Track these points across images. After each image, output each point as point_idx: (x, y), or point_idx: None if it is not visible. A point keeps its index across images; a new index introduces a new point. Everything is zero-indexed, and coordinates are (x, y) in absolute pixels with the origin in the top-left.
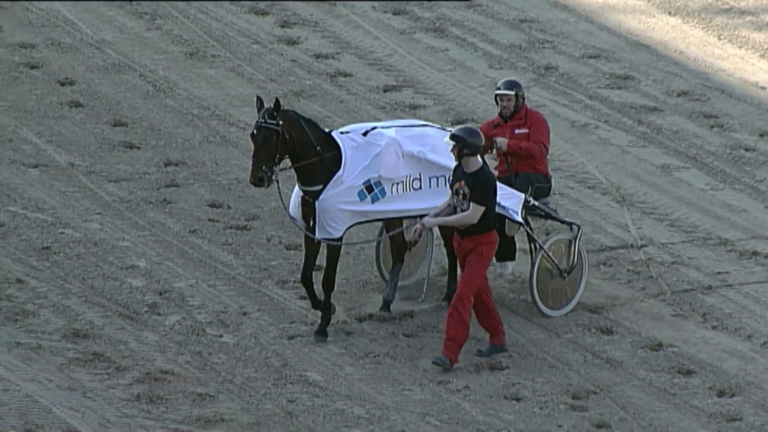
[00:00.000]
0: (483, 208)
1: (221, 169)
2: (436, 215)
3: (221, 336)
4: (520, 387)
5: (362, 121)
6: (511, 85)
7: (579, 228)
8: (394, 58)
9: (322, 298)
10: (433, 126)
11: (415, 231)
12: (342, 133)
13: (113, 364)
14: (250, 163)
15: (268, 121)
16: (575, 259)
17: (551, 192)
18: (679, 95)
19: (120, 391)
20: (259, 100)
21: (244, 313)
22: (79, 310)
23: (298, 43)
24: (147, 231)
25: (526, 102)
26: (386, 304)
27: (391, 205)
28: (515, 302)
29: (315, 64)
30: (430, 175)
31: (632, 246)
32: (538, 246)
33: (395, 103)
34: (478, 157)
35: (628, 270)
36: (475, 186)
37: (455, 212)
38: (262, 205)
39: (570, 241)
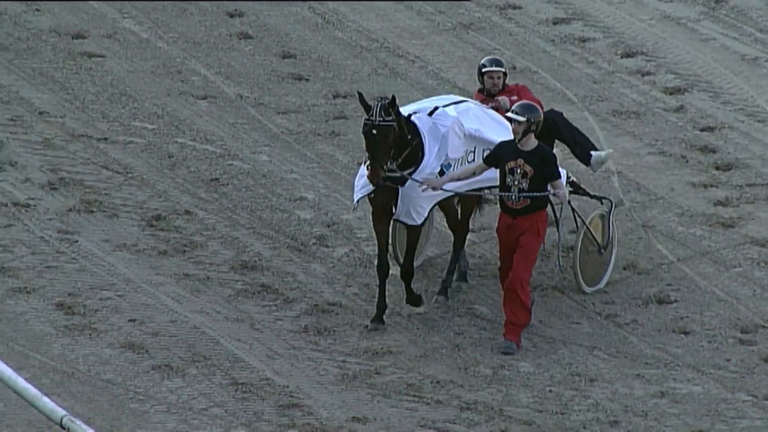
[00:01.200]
0: (561, 179)
1: None
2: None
3: None
4: (688, 321)
5: (531, 55)
6: (499, 61)
7: (612, 202)
8: None
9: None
10: (468, 100)
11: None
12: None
13: (281, 295)
14: (367, 161)
15: (386, 118)
16: (610, 234)
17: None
18: None
19: (288, 323)
20: (360, 96)
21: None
22: (247, 241)
23: None
24: (315, 163)
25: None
26: (463, 275)
27: (454, 183)
28: (684, 235)
29: None
30: (483, 148)
31: None
32: (580, 222)
33: (564, 36)
34: None
35: None
36: (542, 164)
37: (509, 191)
38: None
39: (604, 215)
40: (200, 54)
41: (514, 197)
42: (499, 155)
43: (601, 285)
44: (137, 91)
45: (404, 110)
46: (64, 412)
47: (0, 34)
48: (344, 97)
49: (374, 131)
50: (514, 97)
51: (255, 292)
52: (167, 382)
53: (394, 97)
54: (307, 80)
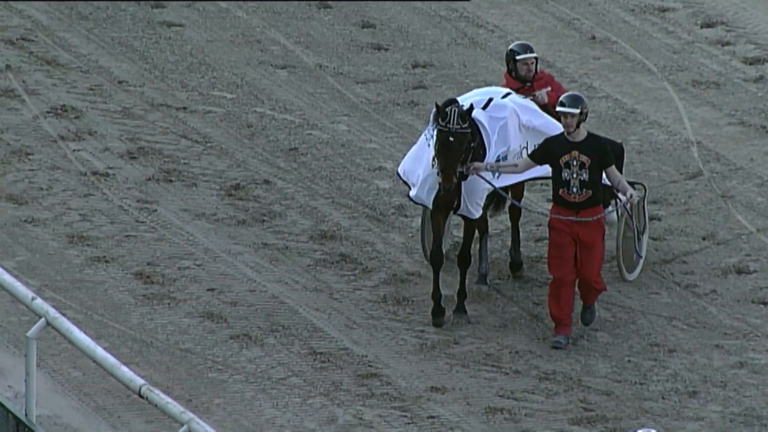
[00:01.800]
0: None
1: (469, 71)
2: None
3: None
4: (767, 291)
5: (611, 25)
6: (530, 47)
7: (645, 187)
8: None
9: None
10: (512, 93)
11: (631, 197)
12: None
13: (360, 265)
14: (441, 165)
15: (463, 125)
16: (645, 220)
17: None
18: None
19: (366, 293)
20: (437, 105)
21: (491, 215)
22: (325, 211)
23: None
24: (394, 133)
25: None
26: (483, 278)
27: (509, 177)
28: (763, 205)
29: None
30: (534, 142)
31: None
32: (620, 209)
33: (644, 5)
34: None
35: None
36: (597, 152)
37: (568, 187)
38: None
39: (639, 200)
40: (279, 23)
41: (575, 190)
42: (549, 151)
43: (637, 272)
44: (216, 60)
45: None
46: (142, 381)
47: (79, 3)
48: (423, 66)
49: (451, 138)
50: (549, 89)
51: (334, 261)
52: (246, 351)
53: (471, 106)
54: (386, 50)
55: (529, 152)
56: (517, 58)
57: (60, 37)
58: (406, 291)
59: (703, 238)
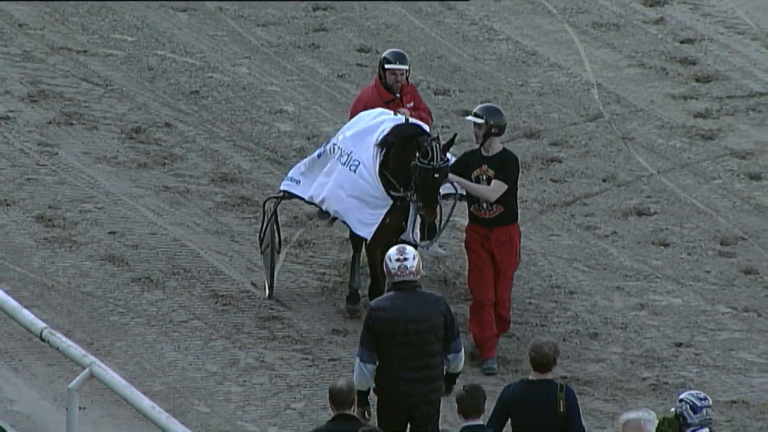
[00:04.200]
0: (506, 187)
1: (369, 14)
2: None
3: None
4: (668, 233)
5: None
6: (404, 58)
7: None
8: None
9: None
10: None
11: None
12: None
13: (261, 208)
14: (425, 202)
15: (444, 159)
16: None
17: None
18: None
19: None
20: (418, 144)
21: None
22: (227, 154)
23: None
24: (295, 75)
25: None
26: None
27: None
28: (663, 147)
29: None
30: None
31: None
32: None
33: None
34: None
35: None
36: (500, 167)
37: (479, 203)
38: (411, 49)
39: None
40: None
41: (485, 206)
42: (463, 164)
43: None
44: (116, 2)
45: (353, 129)
46: (44, 325)
47: None
48: (324, 9)
49: (437, 175)
50: (411, 104)
51: (235, 204)
52: (147, 294)
53: (455, 136)
54: None
55: None
56: (386, 66)
57: None
58: (307, 234)
59: (604, 180)
